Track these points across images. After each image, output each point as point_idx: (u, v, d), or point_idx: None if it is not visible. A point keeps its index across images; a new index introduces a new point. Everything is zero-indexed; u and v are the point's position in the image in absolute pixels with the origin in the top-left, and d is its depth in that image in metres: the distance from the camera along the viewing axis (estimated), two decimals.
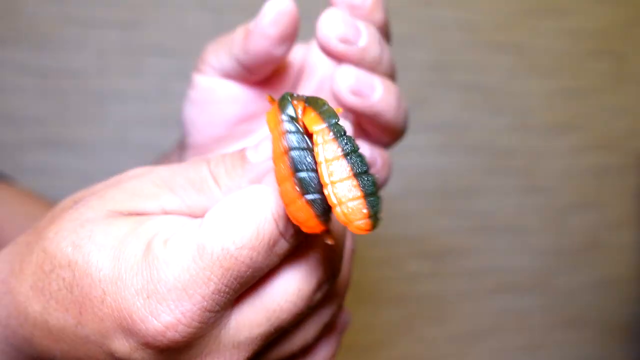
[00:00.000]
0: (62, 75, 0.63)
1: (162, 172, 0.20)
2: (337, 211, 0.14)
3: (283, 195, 0.15)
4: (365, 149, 0.24)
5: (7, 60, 0.61)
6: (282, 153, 0.15)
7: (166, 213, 0.20)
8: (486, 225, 0.81)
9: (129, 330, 0.17)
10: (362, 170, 0.15)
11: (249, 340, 0.19)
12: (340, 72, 0.23)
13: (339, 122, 0.15)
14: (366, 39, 0.23)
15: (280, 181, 0.15)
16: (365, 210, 0.14)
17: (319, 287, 0.20)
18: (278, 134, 0.15)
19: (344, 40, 0.22)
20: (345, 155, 0.15)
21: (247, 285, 0.18)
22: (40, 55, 0.62)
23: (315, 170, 0.15)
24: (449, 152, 0.78)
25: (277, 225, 0.17)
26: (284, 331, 0.20)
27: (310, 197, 0.14)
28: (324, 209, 0.14)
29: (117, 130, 0.65)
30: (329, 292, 0.22)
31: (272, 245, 0.17)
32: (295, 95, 0.16)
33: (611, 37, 0.84)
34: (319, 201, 0.14)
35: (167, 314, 0.16)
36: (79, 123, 0.64)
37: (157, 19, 0.65)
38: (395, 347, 0.79)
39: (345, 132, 0.15)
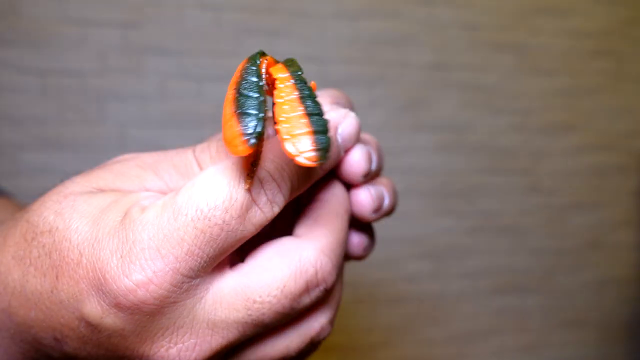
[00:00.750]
0: (62, 75, 0.63)
1: (147, 157, 0.21)
2: (286, 145, 0.15)
3: (223, 118, 0.16)
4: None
5: (8, 61, 0.61)
6: (233, 83, 0.17)
7: (146, 189, 0.20)
8: (486, 225, 0.81)
9: (101, 291, 0.17)
10: (314, 112, 0.16)
11: (225, 324, 0.18)
12: (362, 198, 0.23)
13: (301, 74, 0.17)
14: (375, 165, 0.24)
15: (224, 107, 0.16)
16: (312, 144, 0.15)
17: (307, 290, 0.19)
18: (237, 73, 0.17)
19: (365, 175, 0.23)
20: (301, 98, 0.16)
21: (223, 253, 0.18)
22: (40, 55, 0.62)
23: (260, 99, 0.16)
24: (449, 152, 0.78)
25: (250, 192, 0.17)
26: (265, 329, 0.19)
27: (241, 110, 0.15)
28: (254, 131, 0.15)
29: (117, 130, 0.65)
30: (321, 302, 0.21)
31: (245, 210, 0.17)
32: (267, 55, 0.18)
33: (611, 37, 0.84)
34: (250, 119, 0.15)
35: (139, 273, 0.17)
36: (79, 123, 0.64)
37: (157, 19, 0.65)
38: (395, 347, 0.79)
39: (305, 82, 0.16)
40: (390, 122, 0.75)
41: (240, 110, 0.15)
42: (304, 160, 0.15)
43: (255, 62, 0.17)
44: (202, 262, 0.17)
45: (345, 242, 0.22)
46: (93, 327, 0.18)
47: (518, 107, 0.81)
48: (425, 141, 0.77)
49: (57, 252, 0.18)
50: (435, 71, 0.76)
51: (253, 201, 0.18)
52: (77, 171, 0.21)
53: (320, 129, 0.15)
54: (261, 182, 0.18)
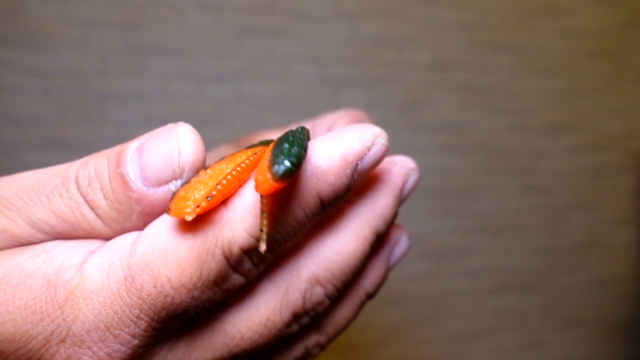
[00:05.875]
0: (63, 75, 0.63)
1: (12, 197, 0.15)
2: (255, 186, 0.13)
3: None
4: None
5: (9, 61, 0.61)
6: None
7: (20, 243, 0.15)
8: (486, 225, 0.82)
9: None
10: (277, 145, 0.14)
11: None
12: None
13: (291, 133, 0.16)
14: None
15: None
16: (269, 168, 0.13)
17: (293, 320, 0.16)
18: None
19: None
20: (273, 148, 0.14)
21: (187, 316, 0.15)
22: (41, 55, 0.62)
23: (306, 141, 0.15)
24: (449, 152, 0.78)
25: (228, 261, 0.14)
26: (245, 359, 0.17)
27: (286, 145, 0.13)
28: (294, 161, 0.13)
29: (117, 130, 0.65)
30: (311, 326, 0.18)
31: (220, 282, 0.14)
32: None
33: (610, 38, 0.84)
34: (295, 150, 0.13)
35: (90, 357, 0.14)
36: (80, 123, 0.64)
37: (157, 19, 0.65)
38: (395, 347, 0.80)
39: (291, 135, 0.15)
40: (389, 122, 0.75)
41: (284, 145, 0.13)
42: (261, 187, 0.12)
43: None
44: (165, 332, 0.14)
45: (356, 270, 0.18)
46: None
47: (517, 108, 0.81)
48: (424, 141, 0.77)
49: None
50: (435, 71, 0.77)
51: (231, 270, 0.14)
52: None
53: (280, 151, 0.13)
54: (244, 248, 0.14)
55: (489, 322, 0.84)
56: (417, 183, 0.19)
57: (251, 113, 0.69)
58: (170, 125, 0.15)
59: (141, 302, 0.13)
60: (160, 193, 0.14)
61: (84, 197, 0.15)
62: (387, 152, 0.16)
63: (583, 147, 0.85)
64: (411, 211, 0.77)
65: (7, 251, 0.14)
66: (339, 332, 0.20)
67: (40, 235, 0.15)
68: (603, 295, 0.89)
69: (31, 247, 0.15)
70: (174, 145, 0.14)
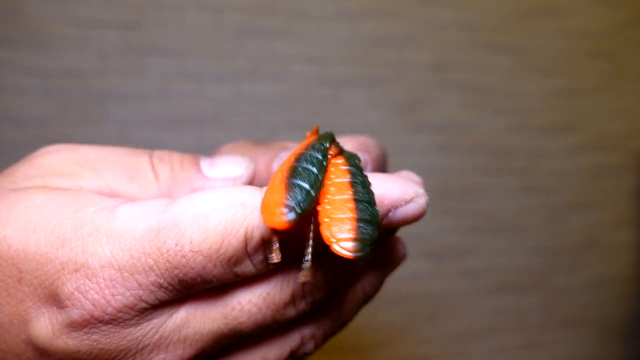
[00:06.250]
0: (63, 75, 0.63)
1: (89, 152, 0.18)
2: (323, 228, 0.13)
3: (270, 182, 0.14)
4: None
5: (9, 61, 0.61)
6: (294, 154, 0.15)
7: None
8: (486, 225, 0.82)
9: (52, 308, 0.15)
10: (364, 199, 0.14)
11: (198, 335, 0.16)
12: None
13: (359, 163, 0.16)
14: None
15: (275, 173, 0.15)
16: (352, 232, 0.13)
17: (292, 300, 0.17)
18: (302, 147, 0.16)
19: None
20: (352, 183, 0.14)
21: (192, 290, 0.15)
22: (41, 56, 0.62)
23: (317, 175, 0.14)
24: (449, 152, 0.78)
25: (247, 245, 0.15)
26: (241, 339, 0.17)
27: (293, 180, 0.14)
28: (299, 205, 0.13)
29: (117, 130, 0.65)
30: (308, 317, 0.19)
31: (233, 263, 0.15)
32: (335, 141, 0.17)
33: (610, 38, 0.84)
34: (299, 191, 0.13)
35: (96, 292, 0.14)
36: (80, 123, 0.64)
37: (157, 19, 0.65)
38: (395, 347, 0.80)
39: (362, 170, 0.15)
40: (389, 122, 0.75)
41: (292, 180, 0.14)
42: (338, 249, 0.13)
43: (325, 142, 0.16)
44: (170, 295, 0.15)
45: (352, 267, 0.19)
46: (42, 350, 0.15)
47: (517, 108, 0.81)
48: (424, 141, 0.77)
49: None
50: (435, 71, 0.77)
51: (246, 255, 0.15)
52: None
53: (367, 217, 0.13)
54: (264, 237, 0.15)
55: (489, 322, 0.84)
56: (422, 211, 0.18)
57: (251, 113, 0.69)
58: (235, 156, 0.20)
59: (159, 254, 0.14)
60: (216, 182, 0.18)
61: (151, 165, 0.18)
62: (423, 215, 0.17)
63: (583, 147, 0.85)
64: None
65: (52, 189, 0.16)
66: (335, 330, 0.20)
67: (98, 182, 0.17)
68: (603, 295, 0.89)
69: (70, 191, 0.16)
70: (239, 160, 0.19)
